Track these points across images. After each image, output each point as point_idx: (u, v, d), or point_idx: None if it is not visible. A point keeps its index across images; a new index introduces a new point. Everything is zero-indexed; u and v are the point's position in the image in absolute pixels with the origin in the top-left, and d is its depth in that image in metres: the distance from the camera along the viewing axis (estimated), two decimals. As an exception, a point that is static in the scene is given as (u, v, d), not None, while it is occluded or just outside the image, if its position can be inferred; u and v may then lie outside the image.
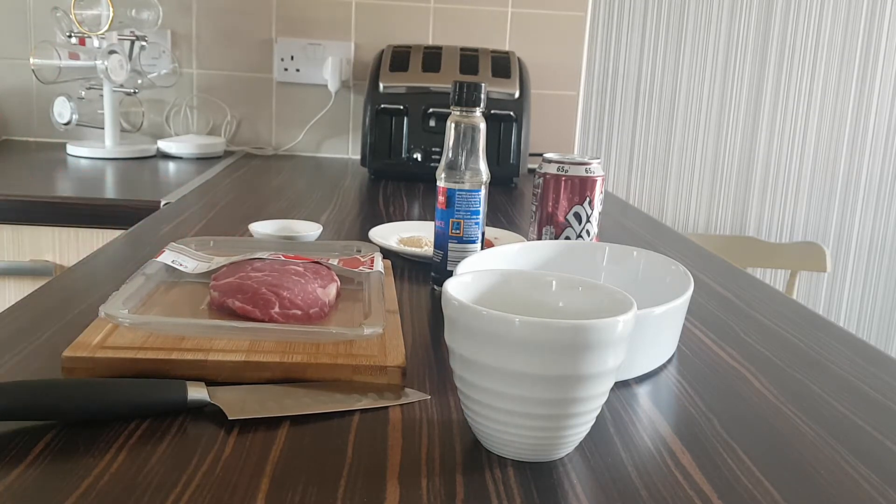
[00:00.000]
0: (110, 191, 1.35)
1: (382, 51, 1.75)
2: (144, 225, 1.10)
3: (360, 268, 0.79)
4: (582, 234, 0.86)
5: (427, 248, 0.98)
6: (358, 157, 1.97)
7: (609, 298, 0.53)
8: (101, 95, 1.76)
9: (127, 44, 1.76)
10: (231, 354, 0.59)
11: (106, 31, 1.65)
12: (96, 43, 1.69)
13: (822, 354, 0.73)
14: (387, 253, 0.99)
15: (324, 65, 1.91)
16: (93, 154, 1.72)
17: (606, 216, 1.40)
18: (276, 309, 0.67)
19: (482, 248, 0.84)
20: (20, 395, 0.50)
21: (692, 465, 0.51)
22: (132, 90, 1.77)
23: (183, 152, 1.79)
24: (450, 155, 0.82)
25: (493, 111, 1.61)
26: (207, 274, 0.76)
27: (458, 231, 0.83)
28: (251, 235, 1.03)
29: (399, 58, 1.70)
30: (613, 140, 2.13)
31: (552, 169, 0.86)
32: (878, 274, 2.23)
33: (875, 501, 0.48)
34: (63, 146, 1.81)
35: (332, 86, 1.90)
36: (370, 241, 0.99)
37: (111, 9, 1.62)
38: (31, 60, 1.63)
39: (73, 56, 1.66)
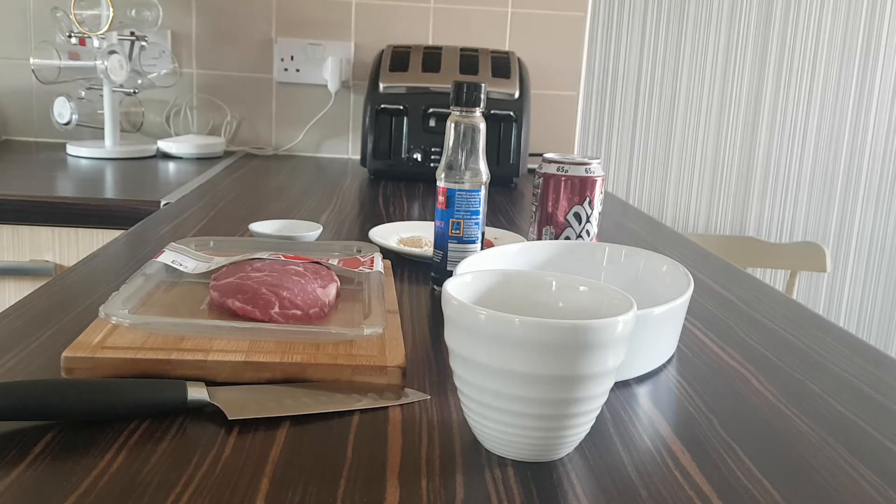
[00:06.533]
0: (110, 191, 1.35)
1: (382, 51, 1.75)
2: (144, 225, 1.10)
3: (360, 268, 0.79)
4: (582, 234, 0.86)
5: (427, 248, 0.98)
6: (358, 157, 1.97)
7: (609, 298, 0.53)
8: (101, 95, 1.76)
9: (127, 44, 1.76)
10: (231, 354, 0.59)
11: (106, 31, 1.65)
12: (96, 43, 1.69)
13: (822, 354, 0.73)
14: (387, 253, 0.99)
15: (324, 65, 1.91)
16: (93, 154, 1.72)
17: (606, 216, 1.40)
18: (276, 309, 0.67)
19: (482, 248, 0.84)
20: (20, 395, 0.50)
21: (692, 465, 0.51)
22: (132, 90, 1.77)
23: (183, 152, 1.79)
24: (450, 155, 0.82)
25: (493, 111, 1.61)
26: (207, 274, 0.76)
27: (458, 231, 0.83)
28: (251, 235, 1.03)
29: (399, 58, 1.70)
30: (613, 140, 2.13)
31: (552, 169, 0.86)
32: (878, 274, 2.23)
33: (875, 501, 0.48)
34: (63, 146, 1.81)
35: (332, 86, 1.90)
36: (370, 241, 0.99)
37: (111, 9, 1.62)
38: (31, 60, 1.63)
39: (73, 56, 1.66)
